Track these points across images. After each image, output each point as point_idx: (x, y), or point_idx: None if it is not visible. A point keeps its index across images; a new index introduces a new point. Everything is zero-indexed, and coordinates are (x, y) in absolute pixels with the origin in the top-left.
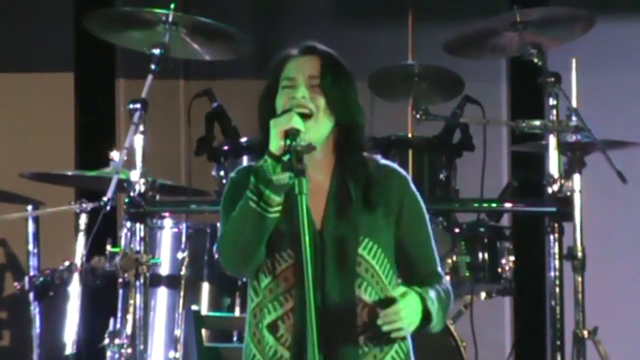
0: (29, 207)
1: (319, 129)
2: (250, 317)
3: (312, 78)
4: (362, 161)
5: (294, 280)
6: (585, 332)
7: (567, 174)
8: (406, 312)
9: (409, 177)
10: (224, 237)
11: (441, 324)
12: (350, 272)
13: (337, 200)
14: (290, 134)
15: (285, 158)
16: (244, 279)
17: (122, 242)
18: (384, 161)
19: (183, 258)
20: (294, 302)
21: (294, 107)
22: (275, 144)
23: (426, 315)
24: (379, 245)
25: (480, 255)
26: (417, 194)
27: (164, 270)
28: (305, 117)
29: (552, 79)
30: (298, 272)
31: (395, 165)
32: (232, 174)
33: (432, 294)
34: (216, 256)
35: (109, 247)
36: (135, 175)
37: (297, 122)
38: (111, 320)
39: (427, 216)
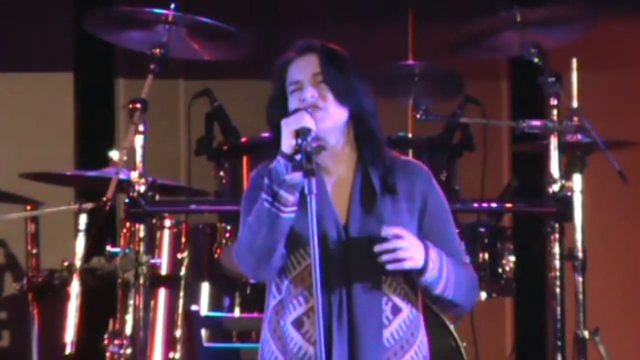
0: (29, 207)
1: (332, 119)
2: (271, 314)
3: (316, 75)
4: (379, 148)
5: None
6: (586, 333)
7: (567, 174)
8: (408, 244)
9: (431, 173)
10: (241, 241)
11: (453, 292)
12: (377, 266)
13: (361, 193)
14: (301, 133)
15: (298, 157)
16: (244, 279)
17: (122, 242)
18: (405, 157)
19: (183, 258)
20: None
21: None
22: (287, 143)
23: (425, 265)
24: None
25: (480, 255)
26: (440, 189)
27: (164, 270)
28: (317, 110)
29: (553, 79)
30: (323, 266)
31: (417, 161)
32: (253, 173)
33: (443, 254)
34: (216, 255)
35: (108, 247)
36: (135, 175)
37: (307, 121)
38: (111, 321)
39: (449, 212)
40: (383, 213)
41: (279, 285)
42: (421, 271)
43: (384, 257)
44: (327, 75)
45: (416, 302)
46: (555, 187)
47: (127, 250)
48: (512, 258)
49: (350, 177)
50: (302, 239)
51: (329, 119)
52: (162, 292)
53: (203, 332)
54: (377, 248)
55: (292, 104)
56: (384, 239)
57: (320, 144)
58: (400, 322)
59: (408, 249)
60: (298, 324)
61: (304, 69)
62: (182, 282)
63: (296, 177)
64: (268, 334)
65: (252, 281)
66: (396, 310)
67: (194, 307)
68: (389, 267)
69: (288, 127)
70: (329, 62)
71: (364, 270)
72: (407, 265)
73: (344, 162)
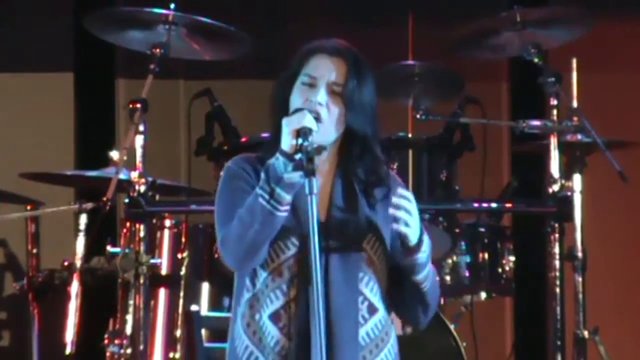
0: (29, 207)
1: (324, 135)
2: (244, 308)
3: (335, 85)
4: (376, 167)
5: (297, 269)
6: (586, 333)
7: (567, 174)
8: (414, 211)
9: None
10: (230, 232)
11: (429, 286)
12: (354, 265)
13: (342, 193)
14: (302, 133)
15: (297, 157)
16: None
17: (122, 242)
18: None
19: (183, 258)
20: (296, 291)
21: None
22: (287, 142)
23: (419, 242)
24: (380, 242)
25: (480, 255)
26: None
27: (164, 270)
28: (317, 121)
29: (553, 79)
30: (301, 261)
31: (395, 174)
32: (229, 164)
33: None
34: (216, 255)
35: (108, 247)
36: (135, 175)
37: (309, 121)
38: (111, 321)
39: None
40: (362, 212)
41: (254, 279)
42: (415, 249)
43: (394, 211)
44: (347, 91)
45: (386, 304)
46: (555, 187)
47: (127, 250)
48: (512, 258)
49: (330, 177)
50: (283, 232)
51: (324, 134)
52: (162, 292)
53: (203, 332)
54: (396, 201)
55: (297, 94)
56: (359, 241)
57: (320, 144)
58: (376, 321)
59: (413, 219)
60: (275, 317)
61: (327, 70)
62: (182, 282)
63: (294, 176)
64: (241, 329)
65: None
66: (372, 310)
67: (194, 307)
68: (395, 226)
69: (289, 126)
70: (355, 79)
71: (342, 268)
72: (407, 230)
73: (326, 164)
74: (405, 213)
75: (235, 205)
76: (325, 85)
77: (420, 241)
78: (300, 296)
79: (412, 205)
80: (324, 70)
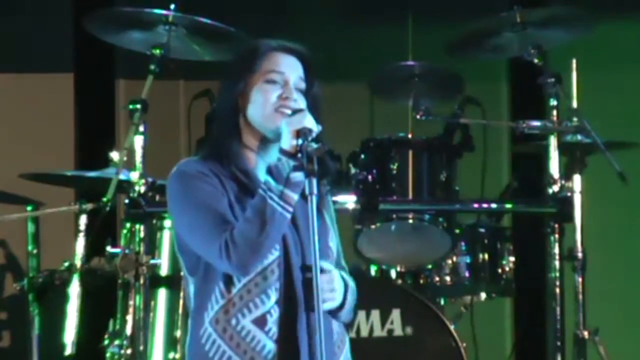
0: (29, 208)
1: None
2: (215, 314)
3: (300, 81)
4: (329, 167)
5: (279, 272)
6: (586, 333)
7: (567, 175)
8: (338, 284)
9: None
10: (237, 237)
11: (350, 315)
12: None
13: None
14: (302, 134)
15: (299, 157)
16: None
17: (122, 242)
18: None
19: None
20: (278, 294)
21: (292, 108)
22: (287, 143)
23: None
24: (334, 241)
25: (480, 255)
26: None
27: (164, 270)
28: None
29: (553, 79)
30: (282, 264)
31: None
32: (181, 168)
33: (352, 285)
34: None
35: (108, 248)
36: (135, 175)
37: (309, 122)
38: (111, 321)
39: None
40: (324, 215)
41: (229, 285)
42: (339, 309)
43: (327, 294)
44: (309, 86)
45: None
46: (555, 188)
47: (127, 251)
48: (512, 258)
49: None
50: None
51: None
52: (162, 293)
53: None
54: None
55: (264, 93)
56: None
57: (321, 145)
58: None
59: (338, 289)
60: (261, 322)
61: (291, 67)
62: (182, 283)
63: (299, 175)
64: (215, 334)
65: None
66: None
67: None
68: (325, 306)
69: (290, 127)
70: (312, 74)
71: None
72: (333, 304)
73: (274, 157)
74: (329, 293)
75: (213, 206)
76: (294, 82)
77: (343, 302)
78: (286, 299)
79: (332, 278)
80: (289, 66)
